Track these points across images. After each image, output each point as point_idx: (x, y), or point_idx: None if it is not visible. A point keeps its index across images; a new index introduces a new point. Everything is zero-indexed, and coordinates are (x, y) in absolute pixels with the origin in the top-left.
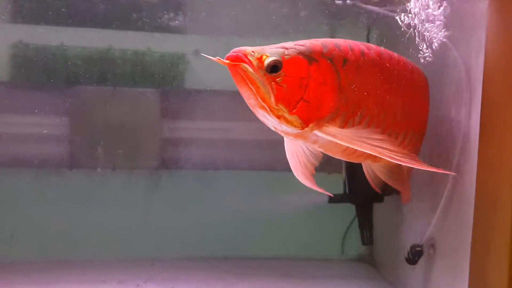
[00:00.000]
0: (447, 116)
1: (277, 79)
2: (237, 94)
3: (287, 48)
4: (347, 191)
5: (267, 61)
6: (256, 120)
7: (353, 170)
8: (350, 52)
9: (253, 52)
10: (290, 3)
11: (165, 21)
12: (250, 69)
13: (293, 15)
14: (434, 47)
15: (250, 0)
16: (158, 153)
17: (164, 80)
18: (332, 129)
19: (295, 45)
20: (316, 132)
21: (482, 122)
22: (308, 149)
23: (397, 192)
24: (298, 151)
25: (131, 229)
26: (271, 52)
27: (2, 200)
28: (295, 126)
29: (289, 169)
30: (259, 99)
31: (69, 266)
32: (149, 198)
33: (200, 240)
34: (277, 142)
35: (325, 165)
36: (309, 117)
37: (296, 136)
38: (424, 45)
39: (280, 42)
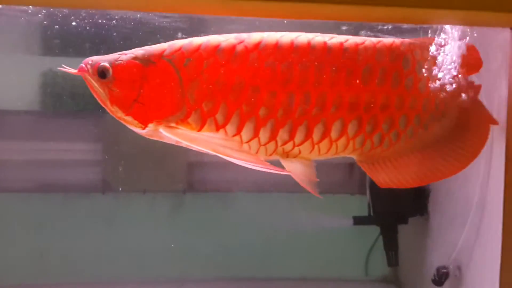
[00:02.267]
0: None
1: (109, 84)
2: None
3: (125, 54)
4: (371, 213)
5: (98, 68)
6: None
7: (377, 191)
8: (200, 50)
9: (91, 61)
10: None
11: None
12: (88, 77)
13: None
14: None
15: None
16: (185, 177)
17: None
18: (177, 129)
19: (143, 49)
20: (162, 131)
21: (508, 145)
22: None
23: (421, 213)
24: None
25: (159, 251)
26: (103, 59)
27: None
28: (134, 126)
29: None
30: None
31: (98, 287)
32: (177, 220)
33: (224, 261)
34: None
35: (348, 186)
36: (145, 118)
37: (147, 135)
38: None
39: None
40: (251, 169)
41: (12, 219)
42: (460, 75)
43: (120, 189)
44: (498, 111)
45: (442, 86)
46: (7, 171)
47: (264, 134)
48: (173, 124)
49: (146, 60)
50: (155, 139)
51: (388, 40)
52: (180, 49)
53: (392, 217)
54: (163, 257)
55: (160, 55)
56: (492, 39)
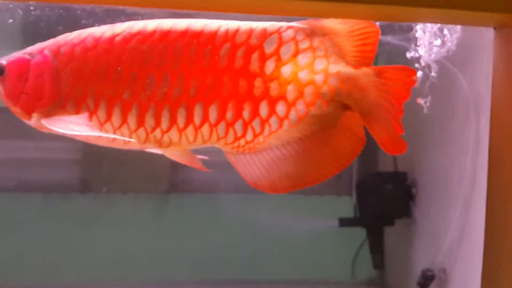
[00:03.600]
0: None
1: (4, 80)
2: None
3: (24, 52)
4: (357, 215)
5: None
6: None
7: (364, 193)
8: (73, 38)
9: None
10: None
11: None
12: None
13: None
14: (438, 74)
15: None
16: (167, 176)
17: None
18: (53, 118)
19: (38, 44)
20: (43, 121)
21: (491, 147)
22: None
23: (408, 215)
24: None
25: (141, 253)
26: (4, 58)
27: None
28: (23, 118)
29: (299, 192)
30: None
31: None
32: (160, 221)
33: (209, 263)
34: None
35: (334, 187)
36: (29, 108)
37: (36, 126)
38: (430, 71)
39: None
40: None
41: None
42: (341, 69)
43: (102, 189)
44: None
45: (313, 77)
46: None
47: (131, 119)
48: (54, 113)
49: (33, 54)
50: (45, 131)
51: (268, 24)
52: (60, 40)
53: (378, 219)
54: (145, 259)
55: (44, 48)
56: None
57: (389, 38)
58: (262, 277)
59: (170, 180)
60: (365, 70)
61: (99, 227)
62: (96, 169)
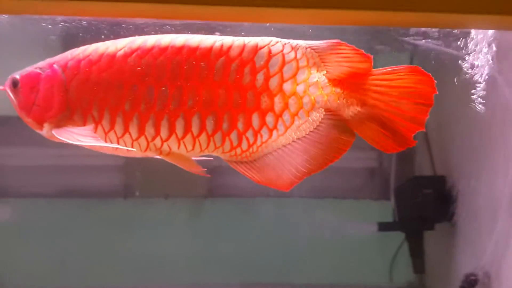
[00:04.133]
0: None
1: (17, 92)
2: None
3: (35, 66)
4: (396, 219)
5: (11, 80)
6: None
7: (403, 197)
8: (80, 53)
9: (11, 75)
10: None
11: None
12: (7, 90)
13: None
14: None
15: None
16: (206, 182)
17: None
18: (62, 129)
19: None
20: (53, 131)
21: None
22: None
23: (448, 219)
24: None
25: (181, 257)
26: (18, 72)
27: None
28: (35, 128)
29: (335, 196)
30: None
31: None
32: (198, 225)
33: (246, 267)
34: (325, 169)
35: (371, 192)
36: (40, 119)
37: (48, 136)
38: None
39: None
40: None
41: (34, 224)
42: (320, 79)
43: (139, 194)
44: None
45: (295, 88)
46: (30, 177)
47: (133, 129)
48: (63, 124)
49: (44, 68)
50: (56, 141)
51: (260, 39)
52: (68, 55)
53: (417, 223)
54: (183, 263)
55: (53, 63)
56: None
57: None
58: (298, 281)
59: (208, 185)
60: (348, 78)
61: (141, 231)
62: (138, 175)
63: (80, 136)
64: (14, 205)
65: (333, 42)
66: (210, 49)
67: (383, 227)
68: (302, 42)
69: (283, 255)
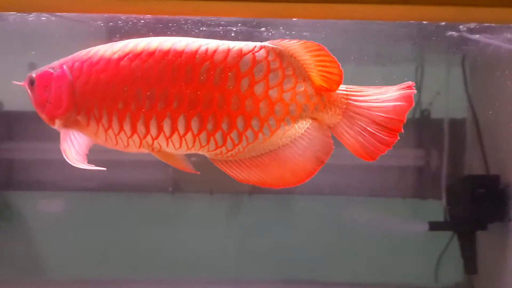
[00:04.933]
0: None
1: (34, 90)
2: None
3: (50, 66)
4: (448, 218)
5: (28, 78)
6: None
7: (455, 197)
8: (83, 55)
9: (29, 74)
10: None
11: None
12: (26, 86)
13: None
14: None
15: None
16: None
17: None
18: (68, 128)
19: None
20: (61, 132)
21: None
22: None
23: (502, 219)
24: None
25: (226, 251)
26: (35, 71)
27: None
28: (49, 123)
29: (383, 195)
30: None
31: (161, 285)
32: (242, 221)
33: (293, 263)
34: (372, 167)
35: (421, 191)
36: (52, 115)
37: (60, 132)
38: None
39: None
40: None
41: (81, 218)
42: (307, 88)
43: (185, 189)
44: None
45: (282, 95)
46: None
47: (126, 127)
48: (70, 123)
49: (55, 69)
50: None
51: (244, 44)
52: (75, 56)
53: (470, 223)
54: (226, 258)
55: (63, 63)
56: None
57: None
58: (340, 279)
59: None
60: (332, 90)
61: (186, 226)
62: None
63: (76, 143)
64: (62, 198)
65: (314, 48)
66: (195, 53)
67: (435, 226)
68: (284, 50)
69: (326, 252)
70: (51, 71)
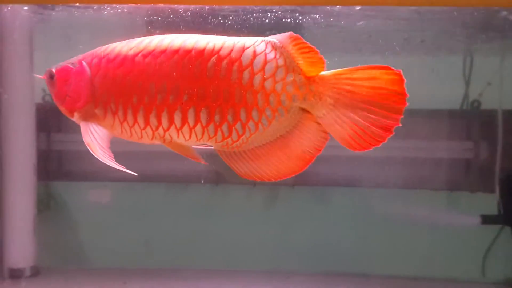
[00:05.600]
0: None
1: (54, 84)
2: None
3: (69, 62)
4: (502, 212)
5: (48, 72)
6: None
7: (509, 189)
8: (101, 51)
9: (49, 68)
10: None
11: None
12: (46, 79)
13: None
14: None
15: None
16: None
17: None
18: (86, 120)
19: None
20: (80, 125)
21: None
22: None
23: None
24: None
25: (267, 242)
26: (55, 65)
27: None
28: (68, 115)
29: (432, 188)
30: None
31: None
32: (285, 212)
33: (339, 255)
34: (420, 160)
35: (472, 184)
36: (71, 108)
37: (78, 123)
38: None
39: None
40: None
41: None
42: (296, 78)
43: (229, 180)
44: None
45: (275, 86)
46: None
47: (140, 119)
48: (88, 115)
49: (75, 64)
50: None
51: (247, 39)
52: (94, 52)
53: None
54: (268, 249)
55: (83, 59)
56: None
57: None
58: (385, 272)
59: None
60: (321, 75)
61: (229, 216)
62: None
63: (97, 137)
64: (110, 189)
65: (294, 38)
66: (203, 49)
67: (487, 220)
68: (278, 42)
69: (370, 245)
70: (71, 66)
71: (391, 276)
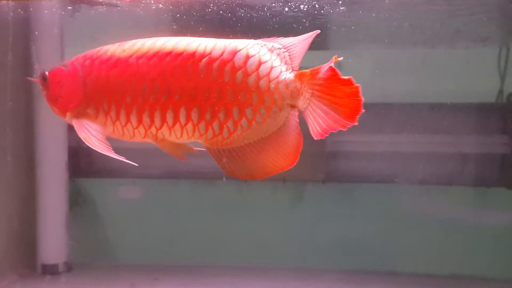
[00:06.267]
0: None
1: (46, 85)
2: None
3: (61, 64)
4: None
5: (41, 74)
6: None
7: None
8: (93, 53)
9: (42, 70)
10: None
11: None
12: (39, 81)
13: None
14: None
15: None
16: (323, 167)
17: None
18: (79, 120)
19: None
20: (73, 123)
21: None
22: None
23: None
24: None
25: (296, 238)
26: (47, 67)
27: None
28: (60, 116)
29: (466, 184)
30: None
31: (226, 270)
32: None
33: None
34: (453, 156)
35: (506, 179)
36: (64, 109)
37: (69, 123)
38: None
39: None
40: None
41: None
42: (286, 76)
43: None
44: None
45: (269, 85)
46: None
47: (133, 119)
48: (80, 115)
49: (67, 66)
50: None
51: (239, 41)
52: (86, 54)
53: None
54: (295, 246)
55: (75, 61)
56: None
57: None
58: (425, 270)
59: (326, 170)
60: (300, 73)
61: (259, 213)
62: None
63: (92, 131)
64: (133, 186)
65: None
66: (194, 51)
67: None
68: (275, 45)
69: (401, 243)
70: (64, 68)
71: (421, 275)
